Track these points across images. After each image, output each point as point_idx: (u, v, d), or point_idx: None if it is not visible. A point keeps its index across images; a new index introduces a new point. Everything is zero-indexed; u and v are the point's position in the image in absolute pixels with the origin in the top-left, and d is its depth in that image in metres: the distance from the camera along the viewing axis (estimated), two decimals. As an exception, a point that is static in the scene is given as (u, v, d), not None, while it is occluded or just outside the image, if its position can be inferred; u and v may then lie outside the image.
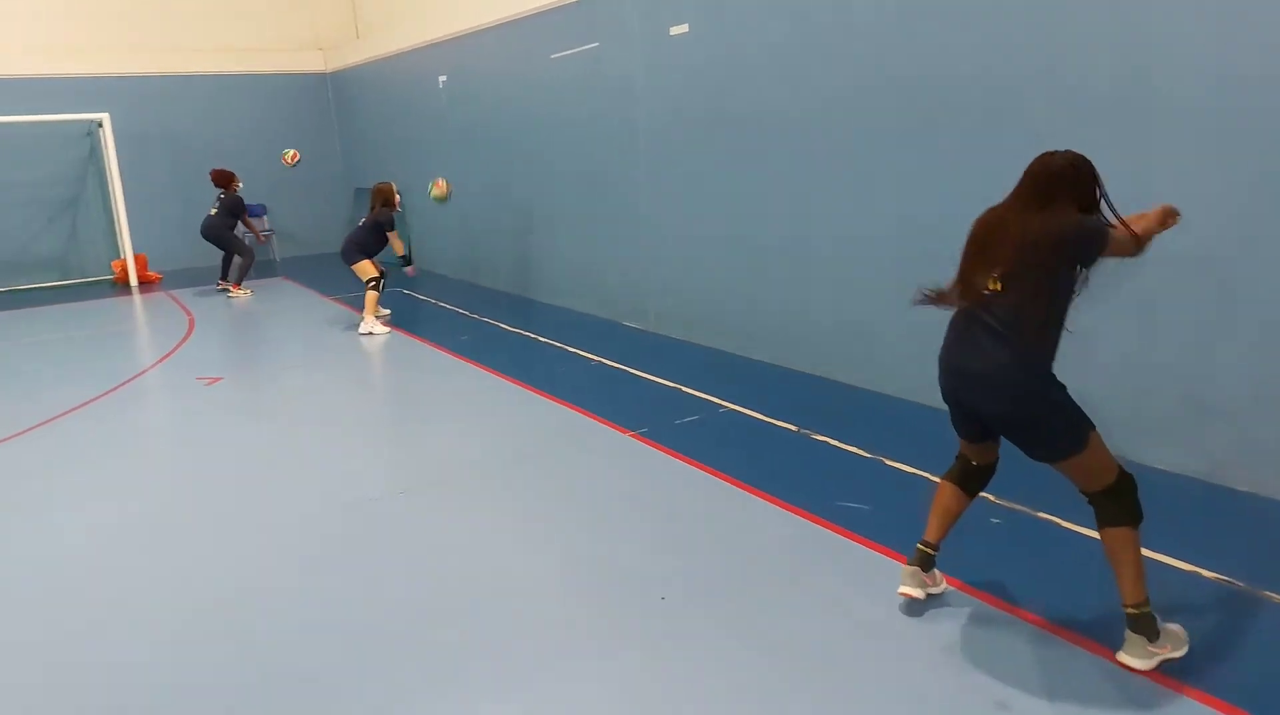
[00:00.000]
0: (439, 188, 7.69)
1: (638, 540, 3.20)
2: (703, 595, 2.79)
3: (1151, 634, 2.28)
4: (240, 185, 9.26)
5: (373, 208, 7.18)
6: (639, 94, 6.29)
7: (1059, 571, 2.84)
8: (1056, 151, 2.39)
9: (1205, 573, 2.75)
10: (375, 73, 10.71)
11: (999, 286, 2.31)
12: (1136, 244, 2.34)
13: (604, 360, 5.79)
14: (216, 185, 9.14)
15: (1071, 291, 2.32)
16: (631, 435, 4.30)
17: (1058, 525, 3.11)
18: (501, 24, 7.86)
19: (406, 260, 7.75)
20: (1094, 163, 2.37)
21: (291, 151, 10.02)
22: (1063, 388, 2.32)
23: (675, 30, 5.83)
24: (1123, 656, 2.29)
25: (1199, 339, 3.40)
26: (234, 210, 9.07)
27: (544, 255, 7.95)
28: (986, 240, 2.38)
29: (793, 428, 4.31)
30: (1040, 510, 3.21)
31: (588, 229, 7.20)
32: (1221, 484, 3.38)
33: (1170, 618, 2.40)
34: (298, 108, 11.74)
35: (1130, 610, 2.29)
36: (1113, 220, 2.34)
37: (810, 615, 2.64)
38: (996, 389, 2.32)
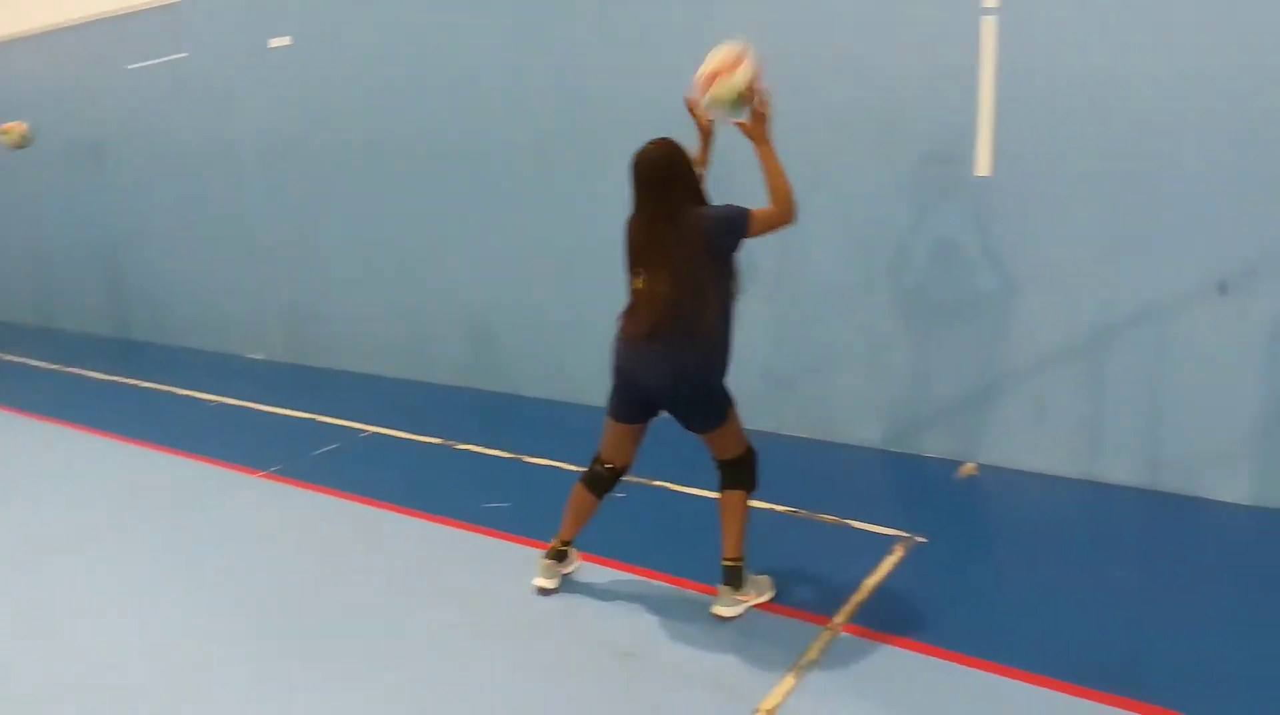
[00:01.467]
0: (11, 132, 6.00)
1: (272, 581, 3.19)
2: (346, 620, 2.91)
3: (738, 583, 2.76)
4: None
5: None
6: (239, 110, 6.12)
7: (674, 530, 3.42)
8: (647, 147, 2.64)
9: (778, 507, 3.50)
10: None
11: (664, 287, 2.60)
12: (780, 208, 2.59)
13: (226, 399, 5.52)
14: None
15: (728, 280, 2.65)
16: (262, 475, 4.21)
17: (670, 490, 3.73)
18: (61, 29, 7.12)
19: None
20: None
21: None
22: (721, 370, 2.73)
23: (276, 43, 5.78)
24: (715, 609, 2.75)
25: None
26: None
27: (142, 287, 7.32)
28: (640, 252, 2.68)
29: (438, 441, 4.54)
30: (656, 479, 3.80)
31: (192, 256, 6.80)
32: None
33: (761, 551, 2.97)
34: None
35: (727, 562, 2.76)
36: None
37: (452, 613, 2.89)
38: (674, 372, 2.64)
